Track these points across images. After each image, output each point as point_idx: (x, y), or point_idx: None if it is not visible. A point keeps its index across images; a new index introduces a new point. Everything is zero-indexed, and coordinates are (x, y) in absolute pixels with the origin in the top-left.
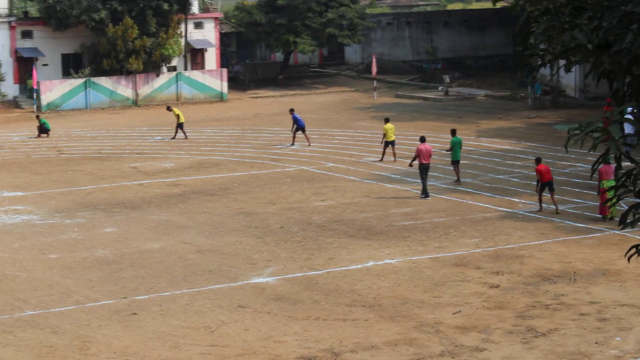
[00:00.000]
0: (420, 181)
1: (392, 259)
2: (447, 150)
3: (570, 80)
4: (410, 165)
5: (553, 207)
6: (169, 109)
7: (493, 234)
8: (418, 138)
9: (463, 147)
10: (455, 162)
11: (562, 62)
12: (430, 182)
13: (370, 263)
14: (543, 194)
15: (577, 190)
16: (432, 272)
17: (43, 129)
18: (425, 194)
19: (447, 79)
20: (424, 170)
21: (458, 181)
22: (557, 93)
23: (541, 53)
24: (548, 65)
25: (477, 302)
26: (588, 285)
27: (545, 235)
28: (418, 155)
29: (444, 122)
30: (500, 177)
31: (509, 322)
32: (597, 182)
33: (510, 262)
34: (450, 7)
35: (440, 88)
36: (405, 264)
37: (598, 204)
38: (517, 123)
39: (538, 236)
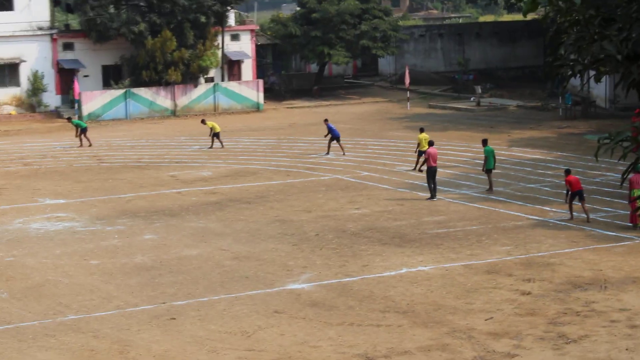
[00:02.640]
0: (427, 185)
1: (425, 266)
2: (484, 169)
3: (600, 90)
4: (420, 170)
5: (584, 215)
6: (203, 122)
7: (524, 241)
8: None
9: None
10: (488, 171)
11: (592, 72)
12: (462, 191)
13: (404, 270)
14: (574, 202)
15: (608, 199)
16: (464, 279)
17: (80, 131)
18: (433, 196)
19: (479, 89)
20: (431, 173)
21: (490, 190)
22: (587, 103)
23: (571, 64)
24: (578, 75)
25: (509, 308)
26: (618, 293)
27: (576, 243)
28: (427, 158)
29: (476, 132)
30: (532, 186)
31: (541, 329)
32: (627, 191)
33: (542, 270)
34: (481, 19)
35: (472, 99)
36: (438, 271)
37: (629, 212)
38: (548, 133)
39: (569, 244)
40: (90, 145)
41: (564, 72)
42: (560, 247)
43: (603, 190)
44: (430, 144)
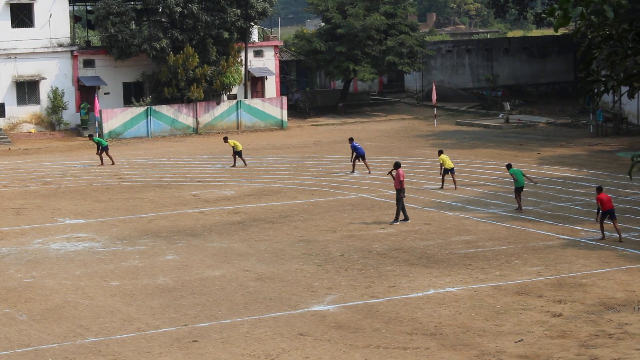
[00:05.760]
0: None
1: (453, 287)
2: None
3: (632, 107)
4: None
5: (616, 235)
6: (225, 140)
7: (555, 262)
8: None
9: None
10: (518, 190)
11: (624, 88)
12: (491, 210)
13: (431, 291)
14: (605, 221)
15: None
16: (493, 300)
17: (101, 149)
18: (400, 219)
19: (507, 106)
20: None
21: (519, 209)
22: (619, 120)
23: (604, 79)
24: (610, 91)
25: (540, 330)
26: None
27: (608, 264)
28: (402, 179)
29: (504, 149)
30: (562, 204)
31: (572, 352)
32: None
33: (573, 291)
34: (510, 34)
35: (500, 115)
36: (467, 292)
37: None
38: (579, 150)
39: (601, 264)
40: (112, 163)
41: (596, 87)
42: (592, 267)
43: (635, 209)
44: (397, 165)
